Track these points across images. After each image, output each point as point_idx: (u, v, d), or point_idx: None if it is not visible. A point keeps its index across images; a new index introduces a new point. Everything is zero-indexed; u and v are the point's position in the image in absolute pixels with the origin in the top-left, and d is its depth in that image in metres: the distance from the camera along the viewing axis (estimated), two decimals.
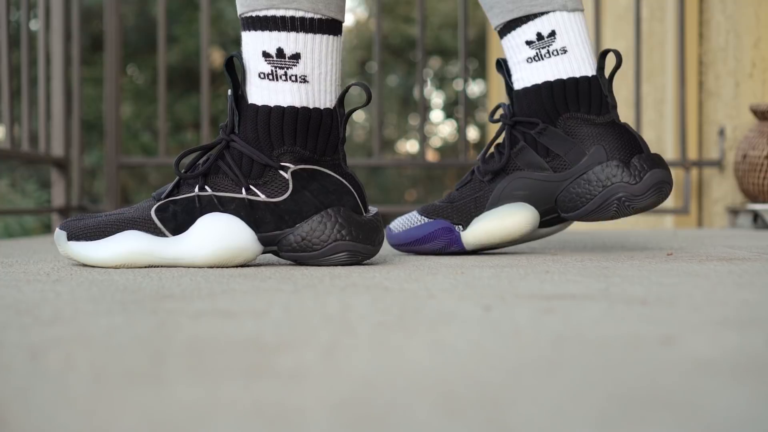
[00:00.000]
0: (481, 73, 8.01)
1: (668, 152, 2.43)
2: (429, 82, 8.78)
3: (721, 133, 2.17)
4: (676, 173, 2.35)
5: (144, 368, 0.37)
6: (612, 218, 1.00)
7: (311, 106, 0.88)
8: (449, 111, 9.11)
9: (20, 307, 0.55)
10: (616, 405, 0.31)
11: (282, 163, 0.88)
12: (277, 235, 0.88)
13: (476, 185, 1.04)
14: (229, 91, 0.90)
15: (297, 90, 0.88)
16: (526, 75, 1.03)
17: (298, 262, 0.89)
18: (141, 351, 0.41)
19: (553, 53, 1.01)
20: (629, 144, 1.00)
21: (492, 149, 1.06)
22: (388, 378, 0.35)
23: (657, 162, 0.99)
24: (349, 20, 9.26)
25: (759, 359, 0.39)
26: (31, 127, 1.97)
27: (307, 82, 0.88)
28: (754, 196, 1.94)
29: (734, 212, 2.08)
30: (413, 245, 1.05)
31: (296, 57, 0.88)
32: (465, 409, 0.30)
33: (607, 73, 1.02)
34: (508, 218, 1.01)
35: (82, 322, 0.49)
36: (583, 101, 1.01)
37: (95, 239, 0.86)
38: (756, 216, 1.94)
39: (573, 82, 1.00)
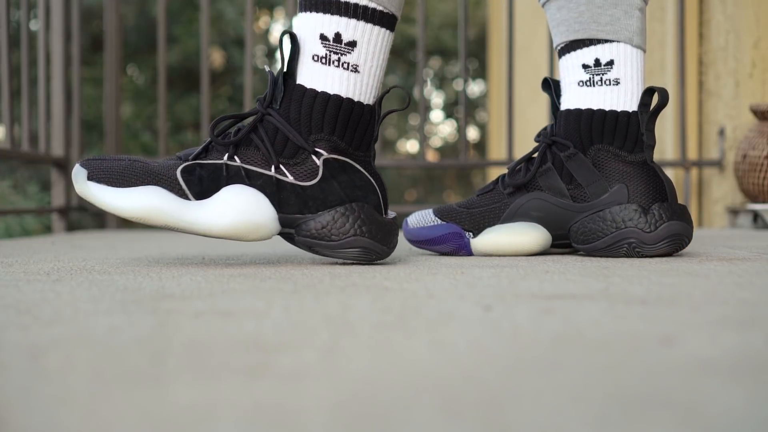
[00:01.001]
0: (481, 73, 8.01)
1: (668, 152, 2.43)
2: (429, 82, 8.78)
3: (721, 133, 2.17)
4: (676, 173, 2.35)
5: (144, 368, 0.37)
6: (619, 257, 0.99)
7: (356, 99, 0.88)
8: (449, 111, 9.11)
9: (20, 307, 0.55)
10: (616, 405, 0.31)
11: (316, 149, 0.87)
12: (297, 219, 0.87)
13: (496, 195, 1.05)
14: (266, 67, 0.90)
15: (347, 78, 0.87)
16: (574, 98, 1.03)
17: (312, 249, 0.88)
18: (141, 351, 0.41)
19: (605, 82, 1.01)
20: (654, 189, 0.98)
21: (522, 164, 1.06)
22: (388, 378, 0.35)
23: (678, 214, 0.97)
24: None
25: (759, 359, 0.39)
26: (31, 127, 1.97)
27: (358, 72, 0.88)
28: (754, 196, 1.94)
29: (734, 212, 2.08)
30: (424, 245, 1.06)
31: (352, 45, 0.87)
32: (465, 409, 0.30)
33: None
34: (520, 237, 1.01)
35: (82, 322, 0.49)
36: (619, 136, 1.00)
37: (117, 186, 0.84)
38: (756, 216, 1.94)
39: (613, 116, 1.00)
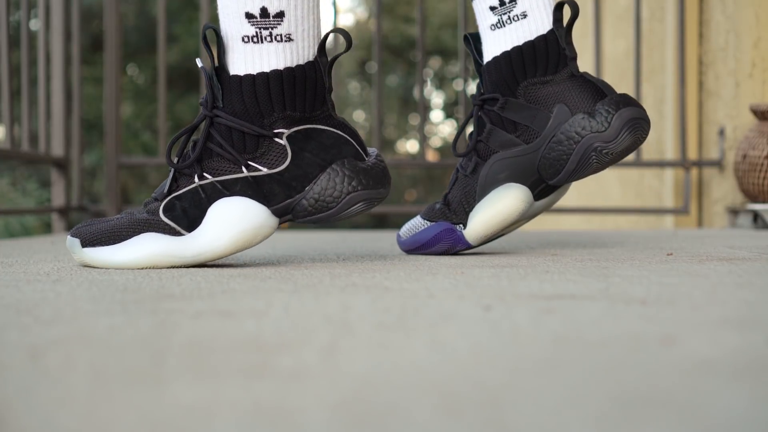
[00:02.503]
0: None
1: (668, 152, 2.43)
2: (429, 82, 8.78)
3: (721, 133, 2.17)
4: (676, 173, 2.35)
5: (144, 368, 0.37)
6: (596, 171, 0.98)
7: (294, 65, 0.86)
8: (449, 111, 9.11)
9: (20, 307, 0.55)
10: (616, 405, 0.31)
11: (275, 130, 0.86)
12: (290, 204, 0.86)
13: (462, 181, 1.04)
14: (198, 61, 0.87)
15: (282, 50, 0.85)
16: (490, 46, 1.01)
17: (317, 224, 0.88)
18: (141, 351, 0.41)
19: (514, 19, 0.99)
20: (590, 92, 0.97)
21: (466, 139, 1.05)
22: (388, 378, 0.35)
23: (624, 102, 0.96)
24: (349, 20, 9.25)
25: (759, 359, 0.39)
26: (31, 127, 1.97)
27: (292, 40, 0.86)
28: (754, 196, 1.94)
29: (734, 212, 2.08)
30: (421, 249, 1.04)
31: (280, 15, 0.85)
32: (465, 409, 0.30)
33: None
34: (499, 203, 0.99)
35: (82, 322, 0.49)
36: (540, 63, 0.99)
37: (112, 244, 0.84)
38: (756, 216, 1.94)
39: (529, 45, 0.99)
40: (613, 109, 0.95)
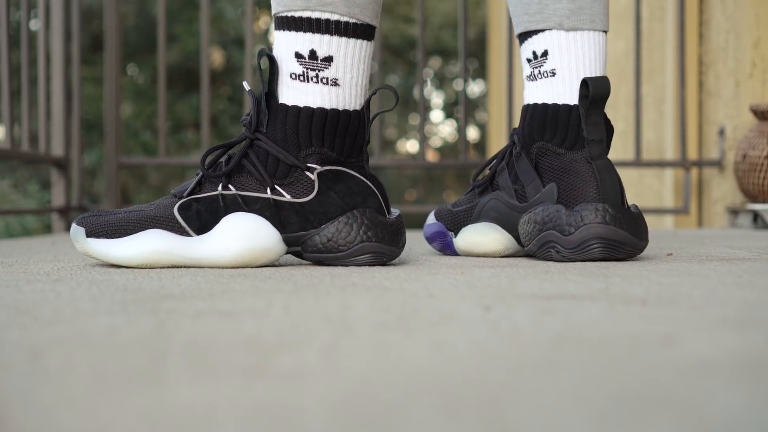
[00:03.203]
0: (481, 73, 8.01)
1: (668, 152, 2.43)
2: (429, 82, 8.78)
3: (721, 133, 2.17)
4: (676, 173, 2.35)
5: (144, 368, 0.37)
6: (563, 261, 0.91)
7: (341, 108, 0.88)
8: (449, 111, 9.11)
9: (20, 307, 0.55)
10: (616, 405, 0.31)
11: (308, 164, 0.87)
12: (302, 236, 0.87)
13: (472, 195, 1.06)
14: (246, 84, 0.90)
15: (327, 92, 0.87)
16: (526, 94, 1.00)
17: (322, 262, 0.88)
18: (141, 351, 0.41)
19: (544, 74, 0.97)
20: (588, 188, 0.91)
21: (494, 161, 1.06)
22: (388, 378, 0.35)
23: (608, 217, 0.87)
24: None
25: (759, 359, 0.39)
26: (31, 127, 1.97)
27: (338, 85, 0.88)
28: (754, 196, 1.94)
29: (734, 212, 2.08)
30: (428, 240, 1.09)
31: (328, 60, 0.87)
32: (465, 409, 0.30)
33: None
34: (481, 237, 1.01)
35: (82, 322, 0.49)
36: (559, 132, 0.94)
37: (117, 237, 0.85)
38: (756, 216, 1.94)
39: (554, 109, 0.95)
40: (589, 218, 0.88)
